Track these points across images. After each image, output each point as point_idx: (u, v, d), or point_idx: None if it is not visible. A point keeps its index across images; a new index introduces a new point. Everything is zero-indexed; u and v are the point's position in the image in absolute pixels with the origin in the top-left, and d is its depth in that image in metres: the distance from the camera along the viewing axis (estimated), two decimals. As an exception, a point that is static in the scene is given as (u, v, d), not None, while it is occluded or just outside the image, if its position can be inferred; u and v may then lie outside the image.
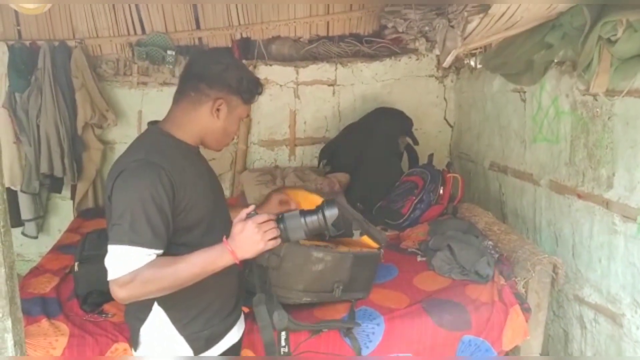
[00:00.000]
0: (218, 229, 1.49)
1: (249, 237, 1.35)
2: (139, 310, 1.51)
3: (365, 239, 2.23)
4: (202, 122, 1.51)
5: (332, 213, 1.47)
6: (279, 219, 1.43)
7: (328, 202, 1.50)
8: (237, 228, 1.37)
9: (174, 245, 1.43)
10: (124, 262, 1.32)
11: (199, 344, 1.52)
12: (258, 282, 1.63)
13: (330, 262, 2.02)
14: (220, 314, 1.57)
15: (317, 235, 1.99)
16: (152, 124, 1.57)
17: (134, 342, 1.56)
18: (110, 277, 1.34)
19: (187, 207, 1.43)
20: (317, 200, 2.03)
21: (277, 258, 1.86)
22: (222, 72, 1.50)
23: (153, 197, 1.35)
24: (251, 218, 1.37)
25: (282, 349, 1.62)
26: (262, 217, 1.38)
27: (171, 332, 1.50)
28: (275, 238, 1.39)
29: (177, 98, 1.53)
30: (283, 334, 1.59)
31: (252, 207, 1.42)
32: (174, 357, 1.51)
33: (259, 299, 1.59)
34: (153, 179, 1.36)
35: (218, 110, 1.50)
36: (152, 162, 1.39)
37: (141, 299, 1.37)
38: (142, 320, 1.50)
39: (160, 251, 1.37)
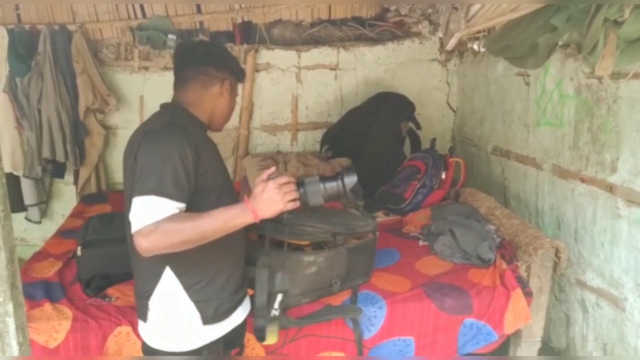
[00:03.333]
0: (231, 196, 1.61)
1: (269, 198, 1.39)
2: (149, 278, 1.53)
3: None
4: (212, 101, 1.63)
5: (351, 179, 1.51)
6: (299, 184, 1.48)
7: (347, 169, 1.54)
8: (258, 188, 1.41)
9: (194, 205, 1.45)
10: (148, 212, 1.34)
11: (208, 312, 1.54)
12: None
13: (323, 262, 2.03)
14: (229, 286, 1.59)
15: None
16: (165, 104, 1.66)
17: (141, 313, 1.58)
18: (133, 228, 1.35)
19: (207, 171, 1.49)
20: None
21: (271, 258, 1.88)
22: (222, 55, 1.68)
23: (180, 153, 1.41)
24: (272, 179, 1.41)
25: (272, 311, 1.65)
26: (283, 179, 1.41)
27: (182, 297, 1.52)
28: (294, 200, 1.43)
29: (184, 84, 1.62)
30: (279, 296, 1.62)
31: (273, 169, 1.46)
32: (174, 358, 1.54)
33: (264, 262, 1.64)
34: (180, 138, 1.44)
35: (226, 90, 1.64)
36: (177, 124, 1.49)
37: (163, 251, 1.37)
38: (152, 288, 1.53)
39: (183, 206, 1.39)
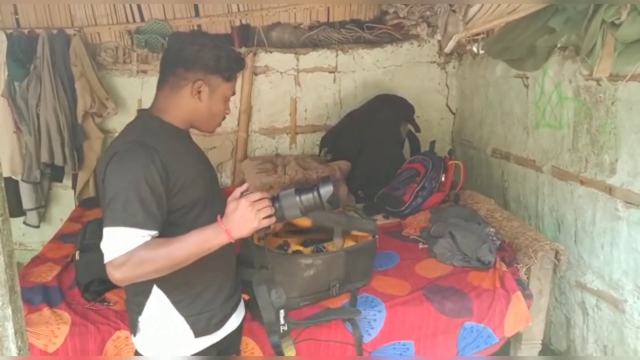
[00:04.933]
0: (215, 209, 1.47)
1: (242, 216, 1.34)
2: (138, 293, 1.51)
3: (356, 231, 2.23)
4: (186, 105, 1.49)
5: (326, 190, 1.46)
6: (274, 198, 1.44)
7: (323, 180, 1.50)
8: (230, 207, 1.35)
9: (172, 225, 1.43)
10: (119, 243, 1.32)
11: (199, 325, 1.52)
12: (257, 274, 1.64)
13: (321, 265, 2.02)
14: (220, 297, 1.57)
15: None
16: (141, 111, 1.56)
17: (132, 327, 1.57)
18: (106, 259, 1.32)
19: (183, 188, 1.43)
20: (304, 222, 2.08)
21: (267, 272, 1.87)
22: (197, 52, 1.46)
23: (146, 178, 1.34)
24: (244, 197, 1.36)
25: (281, 327, 1.60)
26: (255, 196, 1.36)
27: (171, 313, 1.50)
28: (269, 216, 1.38)
29: (159, 85, 1.51)
30: (282, 312, 1.57)
31: (245, 186, 1.41)
32: (175, 357, 1.53)
33: (260, 278, 1.60)
34: (145, 160, 1.35)
35: (199, 92, 1.47)
36: (143, 144, 1.39)
37: (138, 280, 1.36)
38: (142, 303, 1.51)
39: (155, 232, 1.36)
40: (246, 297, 1.72)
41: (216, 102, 1.51)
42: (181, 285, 1.49)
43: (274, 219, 1.40)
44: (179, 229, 1.41)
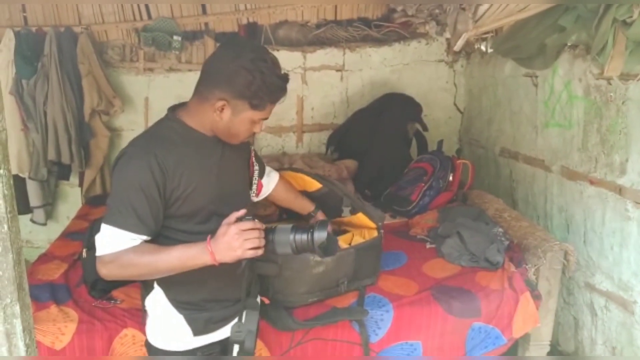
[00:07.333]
0: (214, 224, 1.44)
1: (228, 242, 1.33)
2: (144, 285, 1.58)
3: (363, 219, 2.21)
4: (208, 117, 1.46)
5: (320, 235, 1.44)
6: (270, 230, 1.42)
7: (320, 225, 1.47)
8: (221, 230, 1.35)
9: (174, 230, 1.46)
10: (109, 242, 1.38)
11: (198, 325, 1.54)
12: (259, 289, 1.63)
13: (330, 262, 2.01)
14: (223, 302, 1.58)
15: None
16: (172, 109, 1.54)
17: (143, 312, 1.63)
18: (97, 253, 1.40)
19: (184, 195, 1.43)
20: (313, 185, 2.06)
21: (276, 266, 1.86)
22: (231, 73, 1.39)
23: (141, 183, 1.37)
24: (236, 223, 1.34)
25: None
26: (246, 225, 1.34)
27: (171, 311, 1.53)
28: (257, 248, 1.35)
29: (195, 87, 1.50)
30: (236, 346, 1.50)
31: (242, 212, 1.38)
32: (176, 357, 1.55)
33: (250, 304, 1.56)
34: (143, 166, 1.38)
35: (221, 110, 1.43)
36: (147, 149, 1.41)
37: (122, 279, 1.46)
38: (146, 295, 1.57)
39: (146, 237, 1.39)
40: (266, 300, 1.70)
41: (238, 124, 1.46)
42: (180, 287, 1.51)
43: (260, 252, 1.37)
44: (180, 234, 1.45)
